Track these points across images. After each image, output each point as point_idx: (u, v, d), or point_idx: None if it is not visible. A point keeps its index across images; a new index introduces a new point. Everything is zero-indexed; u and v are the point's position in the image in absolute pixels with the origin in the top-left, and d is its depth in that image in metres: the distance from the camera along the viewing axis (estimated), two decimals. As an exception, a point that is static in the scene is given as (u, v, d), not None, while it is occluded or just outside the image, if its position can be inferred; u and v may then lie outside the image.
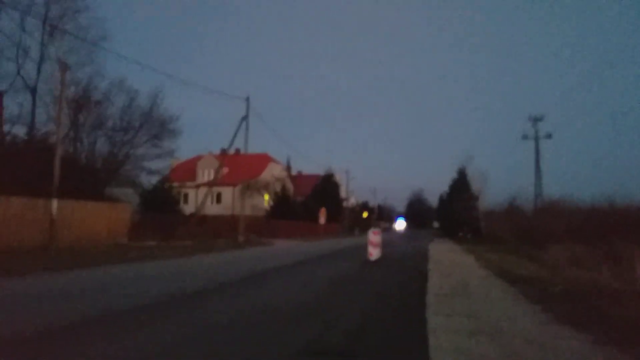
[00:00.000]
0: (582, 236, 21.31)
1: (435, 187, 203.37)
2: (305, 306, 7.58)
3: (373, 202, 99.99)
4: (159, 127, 27.84)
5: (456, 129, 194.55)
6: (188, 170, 53.12)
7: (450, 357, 4.69)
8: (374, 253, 15.64)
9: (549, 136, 33.71)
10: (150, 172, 27.95)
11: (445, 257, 19.64)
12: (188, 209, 38.18)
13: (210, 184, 34.14)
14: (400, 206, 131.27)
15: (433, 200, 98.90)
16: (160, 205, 25.36)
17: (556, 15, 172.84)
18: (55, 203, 15.66)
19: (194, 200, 44.15)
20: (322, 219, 36.37)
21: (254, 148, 63.91)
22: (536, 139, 33.55)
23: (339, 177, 60.93)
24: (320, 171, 58.58)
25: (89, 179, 21.77)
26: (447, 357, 4.68)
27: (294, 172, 74.80)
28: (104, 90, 25.88)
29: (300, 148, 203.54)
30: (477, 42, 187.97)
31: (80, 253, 14.54)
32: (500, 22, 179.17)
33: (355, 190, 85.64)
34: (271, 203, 43.04)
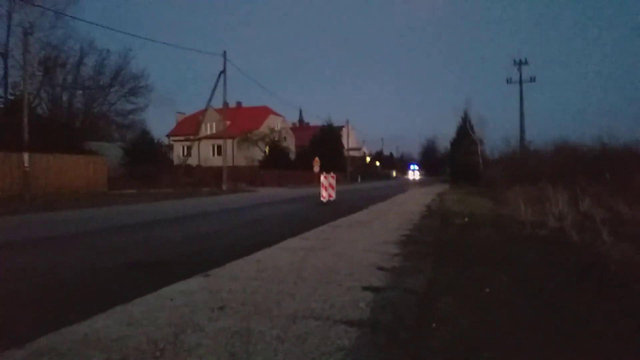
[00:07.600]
0: (558, 177, 21.73)
1: (448, 134, 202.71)
2: (202, 235, 8.63)
3: (384, 152, 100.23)
4: (131, 83, 28.96)
5: (457, 77, 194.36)
6: (193, 124, 54.61)
7: (256, 264, 5.56)
8: (325, 195, 16.55)
9: (532, 79, 32.95)
10: (124, 127, 29.27)
11: (410, 199, 20.33)
12: (192, 160, 39.89)
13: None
14: (417, 154, 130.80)
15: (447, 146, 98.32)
16: (145, 156, 26.70)
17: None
18: (26, 156, 16.90)
19: (196, 152, 46.32)
20: (316, 168, 37.28)
21: (258, 102, 64.46)
22: (520, 83, 32.87)
23: (347, 128, 61.24)
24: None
25: (66, 135, 23.19)
26: (248, 264, 5.57)
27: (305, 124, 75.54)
28: (76, 52, 27.05)
29: (312, 102, 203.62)
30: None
31: (52, 200, 15.88)
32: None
33: (368, 141, 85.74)
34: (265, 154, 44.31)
